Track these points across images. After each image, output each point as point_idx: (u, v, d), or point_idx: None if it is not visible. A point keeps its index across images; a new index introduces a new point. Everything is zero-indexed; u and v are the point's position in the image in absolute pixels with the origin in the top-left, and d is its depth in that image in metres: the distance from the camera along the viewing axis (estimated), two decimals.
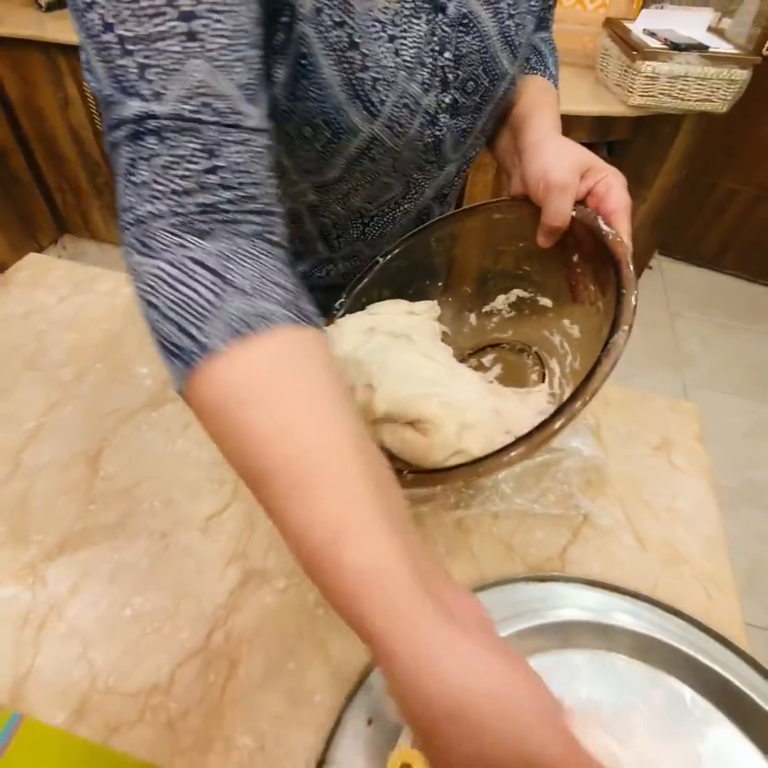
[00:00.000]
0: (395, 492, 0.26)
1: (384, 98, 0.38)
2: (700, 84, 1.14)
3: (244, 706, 0.34)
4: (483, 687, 0.21)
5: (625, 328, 0.33)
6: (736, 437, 1.54)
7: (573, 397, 0.31)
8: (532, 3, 0.44)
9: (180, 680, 0.35)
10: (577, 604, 0.37)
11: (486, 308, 0.52)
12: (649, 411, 0.53)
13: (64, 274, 0.68)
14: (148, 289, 0.25)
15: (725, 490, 1.41)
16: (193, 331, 0.24)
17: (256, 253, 0.27)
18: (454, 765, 0.22)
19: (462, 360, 0.50)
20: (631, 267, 0.36)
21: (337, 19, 0.34)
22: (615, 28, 1.23)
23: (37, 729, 0.33)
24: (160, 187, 0.26)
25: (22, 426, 0.50)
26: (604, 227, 0.38)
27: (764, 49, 1.60)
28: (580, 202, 0.40)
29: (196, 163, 0.26)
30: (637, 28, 1.21)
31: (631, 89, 1.17)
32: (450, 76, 0.41)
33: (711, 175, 2.00)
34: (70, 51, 1.43)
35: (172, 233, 0.26)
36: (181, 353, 0.24)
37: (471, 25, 0.40)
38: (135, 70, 0.25)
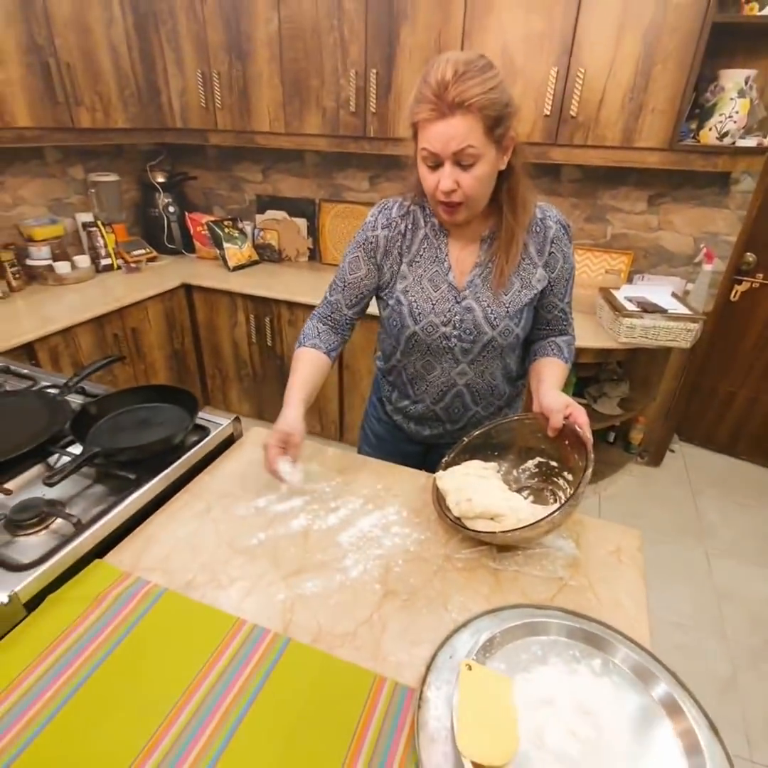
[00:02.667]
0: (311, 391, 1.00)
1: (420, 319, 0.99)
2: (666, 331, 1.69)
3: (401, 625, 0.71)
4: (281, 417, 0.91)
5: (583, 487, 0.77)
6: (755, 601, 1.74)
7: (556, 511, 0.75)
8: (507, 312, 0.98)
9: (385, 608, 0.73)
10: (558, 618, 0.73)
11: (522, 466, 0.98)
12: (610, 530, 0.91)
13: None
14: (305, 328, 1.06)
15: (746, 648, 1.58)
16: (300, 341, 0.93)
17: (327, 331, 1.04)
18: None
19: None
20: (591, 448, 0.82)
21: (412, 295, 0.97)
22: (605, 294, 1.86)
23: (296, 648, 0.71)
24: (318, 312, 0.98)
25: None
26: (579, 429, 0.85)
27: (731, 296, 2.21)
28: (566, 418, 0.88)
29: (327, 312, 1.04)
30: (620, 295, 1.83)
31: (618, 333, 1.73)
32: (456, 324, 0.98)
33: (710, 380, 2.49)
34: (246, 297, 2.23)
35: (315, 320, 0.98)
36: (298, 343, 1.01)
37: (469, 310, 0.98)
38: (331, 287, 1.03)
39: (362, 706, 0.63)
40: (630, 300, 1.78)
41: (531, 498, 0.93)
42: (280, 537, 0.87)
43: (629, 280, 2.10)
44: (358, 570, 0.81)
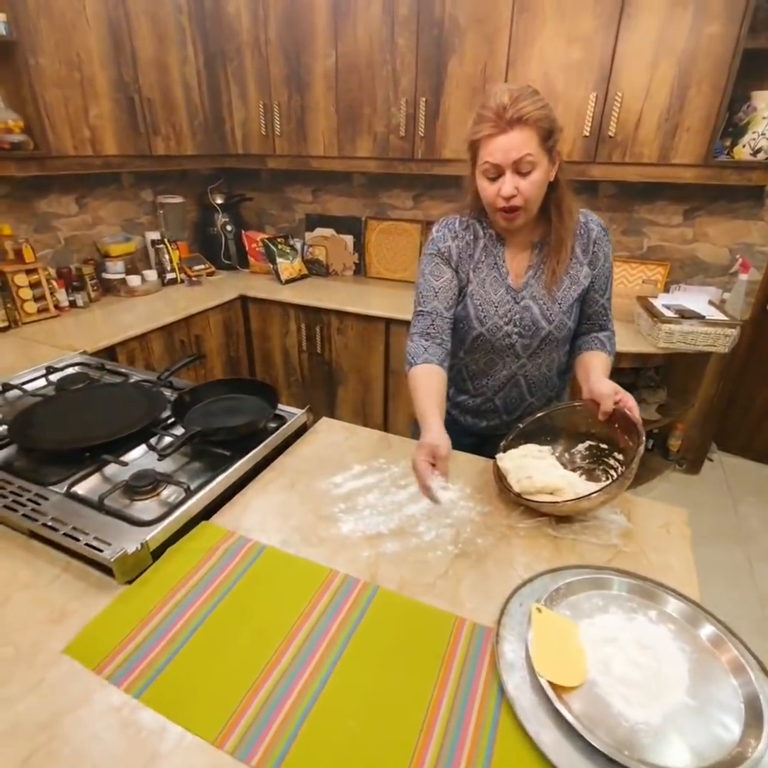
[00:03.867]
0: (442, 404, 1.01)
1: (486, 321, 1.09)
2: (704, 336, 1.76)
3: (474, 580, 0.81)
4: (425, 434, 0.91)
5: (637, 461, 0.86)
6: None
7: (613, 482, 0.84)
8: (561, 309, 1.09)
9: (458, 565, 0.83)
10: (616, 575, 0.82)
11: (574, 449, 1.07)
12: (658, 508, 0.99)
13: None
14: (406, 349, 1.10)
15: None
16: (410, 360, 1.02)
17: (432, 345, 1.07)
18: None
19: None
20: (641, 427, 0.91)
21: (477, 299, 1.08)
22: (643, 303, 1.94)
23: (385, 594, 0.81)
24: (417, 329, 1.06)
25: None
26: (628, 412, 0.94)
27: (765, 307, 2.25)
28: (616, 403, 0.97)
29: (428, 323, 1.08)
30: (658, 303, 1.91)
31: (657, 338, 1.81)
32: (516, 322, 1.09)
33: (748, 389, 2.52)
34: (298, 307, 2.39)
35: (416, 338, 1.07)
36: (407, 364, 1.06)
37: (527, 309, 1.09)
38: (421, 301, 1.11)
39: (446, 641, 0.73)
40: (668, 307, 1.86)
41: (583, 477, 1.02)
42: (359, 507, 0.98)
43: (666, 290, 2.17)
44: (431, 535, 0.92)
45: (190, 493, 0.95)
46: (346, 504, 0.99)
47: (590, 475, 1.03)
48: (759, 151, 1.68)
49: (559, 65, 1.77)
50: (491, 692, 0.66)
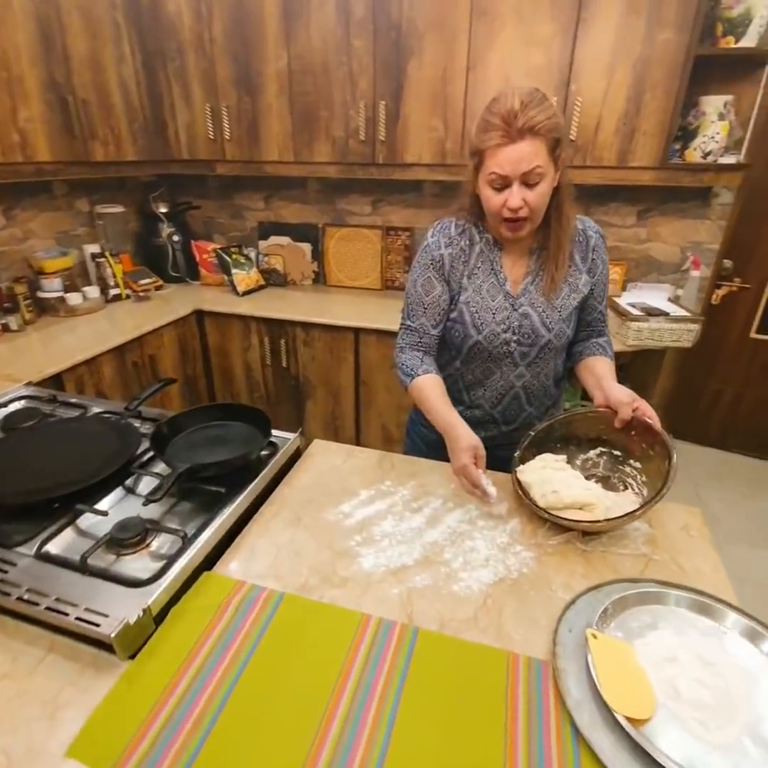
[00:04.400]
0: (450, 411, 1.03)
1: (483, 329, 1.05)
2: (670, 332, 1.82)
3: (515, 607, 0.76)
4: (460, 437, 0.96)
5: (673, 477, 0.85)
6: (765, 581, 1.85)
7: (645, 504, 0.82)
8: (560, 316, 1.07)
9: (495, 593, 0.77)
10: (655, 588, 0.80)
11: (584, 456, 1.05)
12: (674, 510, 0.99)
13: None
14: (398, 363, 1.10)
15: None
16: (410, 372, 1.04)
17: (426, 356, 1.10)
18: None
19: None
20: (668, 437, 0.90)
21: (473, 306, 1.03)
22: (609, 302, 1.98)
23: (427, 636, 0.74)
24: (406, 342, 1.09)
25: None
26: (649, 420, 0.93)
27: (712, 299, 2.39)
28: (633, 411, 0.96)
29: (416, 339, 1.08)
30: (623, 302, 1.96)
31: (626, 336, 1.86)
32: (515, 329, 1.06)
33: (699, 380, 2.66)
34: (259, 320, 2.26)
35: (408, 350, 1.09)
36: (406, 376, 1.08)
37: (526, 316, 1.06)
38: (409, 315, 1.10)
39: (505, 681, 0.67)
40: (633, 306, 1.91)
41: (600, 485, 1.00)
42: (376, 537, 0.91)
43: (623, 289, 2.25)
44: (459, 562, 0.86)
45: (188, 541, 0.84)
46: (362, 535, 0.92)
47: (606, 483, 1.01)
48: (709, 153, 1.76)
49: (520, 70, 1.77)
50: (565, 734, 0.61)
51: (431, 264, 1.07)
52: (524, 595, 0.80)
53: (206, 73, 2.12)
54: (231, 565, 0.85)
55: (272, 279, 2.61)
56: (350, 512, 0.98)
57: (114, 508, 0.94)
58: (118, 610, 0.71)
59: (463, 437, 0.97)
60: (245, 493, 0.96)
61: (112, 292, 2.29)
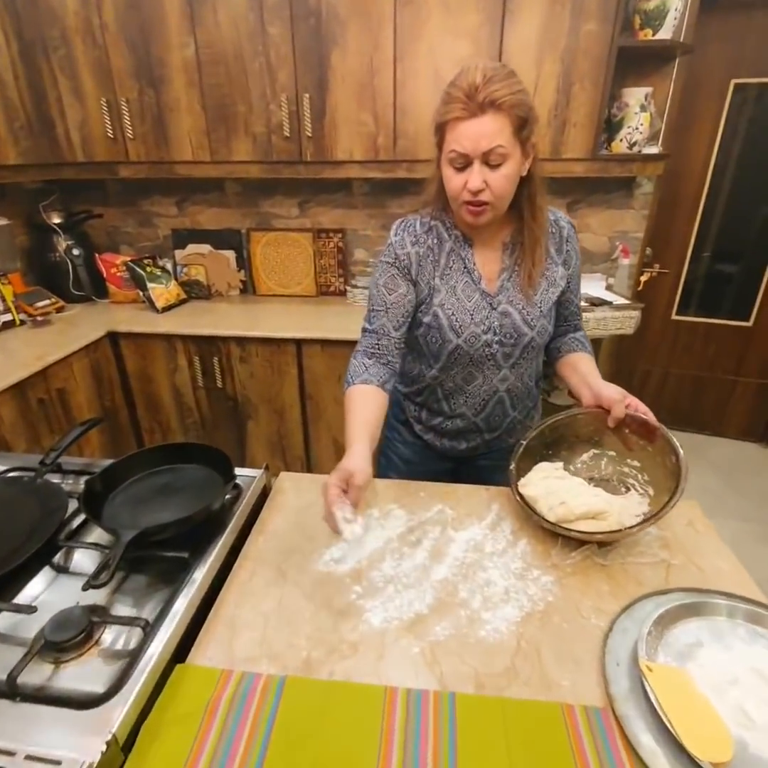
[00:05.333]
0: (373, 429, 0.90)
1: (462, 331, 0.96)
2: (614, 320, 1.85)
3: (552, 646, 0.67)
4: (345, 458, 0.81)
5: (685, 477, 0.80)
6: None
7: (665, 505, 0.76)
8: (540, 312, 1.00)
9: (527, 632, 0.68)
10: (687, 599, 0.74)
11: (578, 460, 0.99)
12: (682, 509, 0.96)
13: None
14: (351, 367, 0.98)
15: None
16: (349, 380, 0.95)
17: (376, 364, 0.97)
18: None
19: None
20: (668, 434, 0.86)
21: (449, 308, 0.94)
22: None
23: (466, 701, 0.64)
24: (362, 347, 0.96)
25: None
26: (644, 416, 0.88)
27: (637, 287, 2.49)
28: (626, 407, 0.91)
29: (373, 342, 0.97)
30: None
31: None
32: (496, 330, 0.97)
33: (631, 362, 2.77)
34: (186, 338, 2.03)
35: (359, 356, 0.98)
36: (345, 383, 0.96)
37: (506, 315, 0.98)
38: (370, 318, 0.99)
39: (566, 740, 0.58)
40: None
41: (600, 489, 0.95)
42: (378, 584, 0.79)
43: None
44: (478, 601, 0.76)
45: (150, 631, 0.66)
46: (362, 585, 0.79)
47: (606, 486, 0.95)
48: (634, 144, 1.81)
49: (450, 60, 1.71)
50: None
51: (395, 263, 0.98)
52: (557, 630, 0.72)
53: (99, 63, 1.85)
54: (209, 651, 0.69)
55: (194, 292, 2.37)
56: (341, 557, 0.84)
57: (43, 598, 0.74)
58: (70, 747, 0.53)
59: (347, 459, 0.81)
60: (214, 554, 0.79)
61: (3, 318, 1.95)
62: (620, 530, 0.79)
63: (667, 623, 0.70)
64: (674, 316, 2.63)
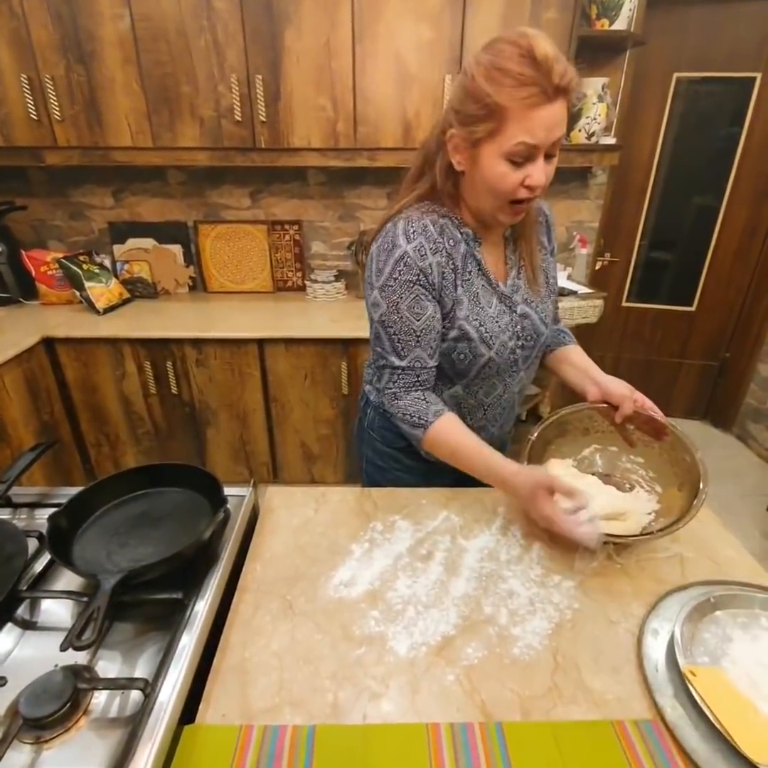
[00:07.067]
0: (492, 458, 0.82)
1: (493, 342, 0.89)
2: (579, 309, 1.88)
3: (587, 657, 0.64)
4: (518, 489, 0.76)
5: (704, 471, 0.79)
6: None
7: (692, 507, 0.75)
8: (550, 308, 0.97)
9: (561, 646, 0.64)
10: (709, 593, 0.74)
11: (579, 456, 0.97)
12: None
13: None
14: (398, 413, 0.87)
15: None
16: (420, 422, 0.86)
17: (428, 393, 0.88)
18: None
19: None
20: (678, 430, 0.85)
21: (474, 319, 0.86)
22: None
23: (514, 730, 0.60)
24: (398, 387, 0.87)
25: None
26: (653, 413, 0.86)
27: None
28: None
29: (412, 379, 0.87)
30: None
31: None
32: (519, 334, 0.92)
33: (585, 348, 2.85)
34: (133, 342, 1.86)
35: (404, 394, 0.87)
36: (417, 428, 0.87)
37: (526, 317, 0.93)
38: (397, 350, 0.85)
39: (624, 757, 0.55)
40: None
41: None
42: (396, 606, 0.73)
43: None
44: (504, 616, 0.72)
45: (150, 692, 0.57)
46: (378, 609, 0.73)
47: (609, 482, 0.94)
48: (592, 134, 1.83)
49: (411, 44, 1.65)
50: None
51: (418, 280, 0.82)
52: (590, 638, 0.69)
53: (16, 35, 1.64)
54: (221, 705, 0.61)
55: (139, 290, 2.18)
56: (351, 579, 0.78)
57: (9, 663, 0.63)
58: None
59: (520, 487, 0.77)
60: (211, 590, 0.70)
61: None
62: (653, 532, 0.77)
63: (695, 621, 0.69)
64: (624, 303, 2.72)
